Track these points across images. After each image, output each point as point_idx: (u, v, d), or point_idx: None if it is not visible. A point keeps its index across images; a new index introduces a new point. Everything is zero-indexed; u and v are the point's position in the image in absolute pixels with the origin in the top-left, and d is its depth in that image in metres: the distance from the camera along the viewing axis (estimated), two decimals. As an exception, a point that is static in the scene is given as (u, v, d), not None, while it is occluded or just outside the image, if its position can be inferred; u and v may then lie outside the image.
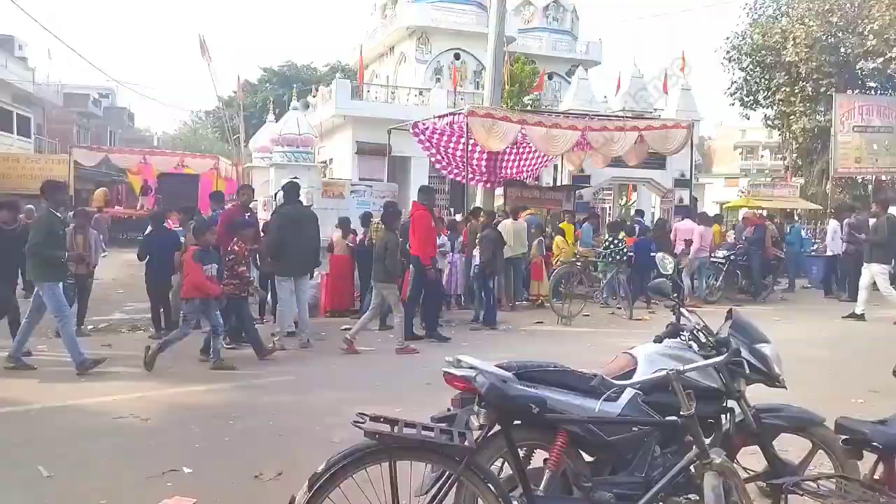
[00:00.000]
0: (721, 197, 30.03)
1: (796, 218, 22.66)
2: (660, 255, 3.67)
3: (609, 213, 19.15)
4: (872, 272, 9.95)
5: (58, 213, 6.68)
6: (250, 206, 8.49)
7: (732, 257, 12.05)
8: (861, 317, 10.07)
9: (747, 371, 2.92)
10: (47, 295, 6.33)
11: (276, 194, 10.46)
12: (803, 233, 18.30)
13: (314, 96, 27.43)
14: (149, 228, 8.63)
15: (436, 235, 8.90)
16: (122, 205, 24.25)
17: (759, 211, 20.45)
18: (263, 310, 9.16)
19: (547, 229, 13.29)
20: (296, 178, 16.28)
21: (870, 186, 24.33)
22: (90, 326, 8.57)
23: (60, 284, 6.50)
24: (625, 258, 10.65)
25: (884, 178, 23.52)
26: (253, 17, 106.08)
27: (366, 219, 10.26)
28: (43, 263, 6.34)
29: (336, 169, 25.31)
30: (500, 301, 10.57)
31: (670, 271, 3.62)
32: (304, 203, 9.17)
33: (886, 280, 10.13)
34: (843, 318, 10.31)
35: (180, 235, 8.72)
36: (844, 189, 24.15)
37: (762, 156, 66.25)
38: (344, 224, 10.23)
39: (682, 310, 3.11)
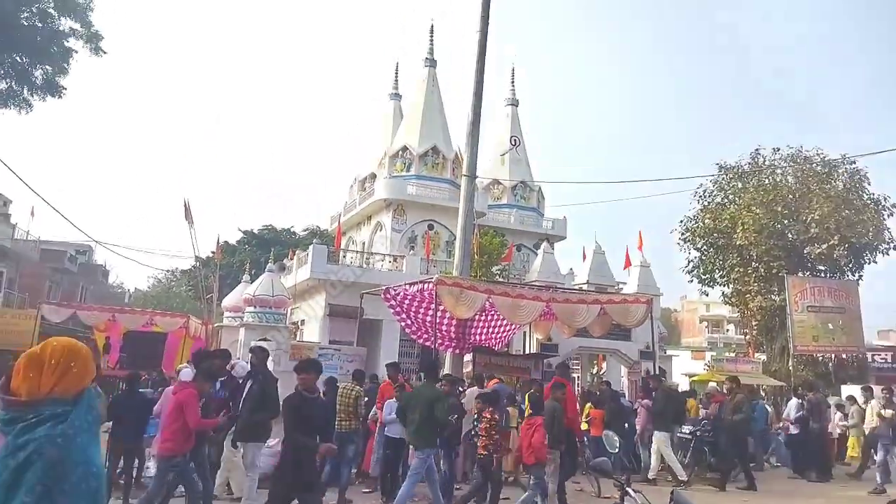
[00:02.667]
0: (688, 369, 30.31)
1: (762, 394, 22.85)
2: (606, 432, 3.78)
3: (578, 383, 19.22)
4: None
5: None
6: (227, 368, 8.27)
7: (698, 433, 11.99)
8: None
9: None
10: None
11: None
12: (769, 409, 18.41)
13: (290, 259, 28.19)
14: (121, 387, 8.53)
15: None
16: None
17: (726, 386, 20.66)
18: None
19: (517, 398, 13.17)
20: (265, 338, 16.39)
21: (830, 364, 24.93)
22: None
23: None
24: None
25: (843, 356, 24.22)
26: (237, 183, 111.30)
27: (330, 384, 10.12)
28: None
29: (307, 330, 25.35)
30: (457, 476, 10.25)
31: (616, 449, 3.71)
32: (270, 366, 9.09)
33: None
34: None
35: (149, 396, 8.57)
36: (806, 366, 24.66)
37: (727, 329, 67.89)
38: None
39: (628, 489, 3.18)
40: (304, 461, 5.80)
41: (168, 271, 56.23)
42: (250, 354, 8.08)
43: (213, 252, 30.74)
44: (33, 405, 2.19)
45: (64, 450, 2.15)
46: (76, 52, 17.82)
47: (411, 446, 8.28)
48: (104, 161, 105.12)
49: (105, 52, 18.17)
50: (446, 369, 14.14)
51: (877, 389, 13.07)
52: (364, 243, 32.17)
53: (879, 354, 25.42)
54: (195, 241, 25.49)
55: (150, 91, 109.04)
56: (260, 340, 15.61)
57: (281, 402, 7.05)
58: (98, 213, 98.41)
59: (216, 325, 26.83)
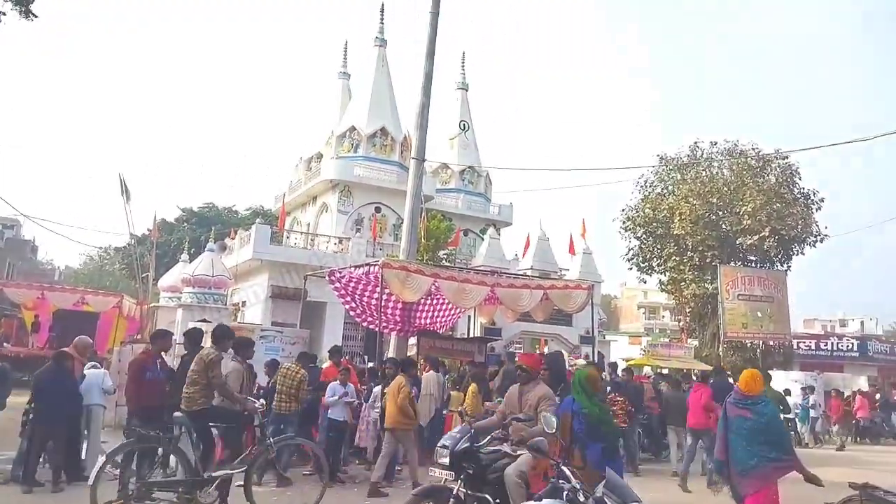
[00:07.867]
0: (626, 354, 31.27)
1: (693, 378, 23.81)
2: (544, 413, 3.90)
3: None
4: None
5: None
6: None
7: (633, 415, 12.36)
8: None
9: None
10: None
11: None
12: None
13: (232, 239, 27.52)
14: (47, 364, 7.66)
15: None
16: (11, 342, 22.56)
17: (662, 370, 21.44)
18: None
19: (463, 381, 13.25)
20: (204, 319, 16.00)
21: (758, 350, 26.16)
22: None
23: None
24: None
25: (771, 343, 25.45)
26: (177, 159, 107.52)
27: (272, 366, 9.99)
28: None
29: (249, 312, 24.87)
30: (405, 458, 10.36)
31: (554, 430, 3.82)
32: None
33: None
34: None
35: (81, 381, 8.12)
36: (735, 352, 25.80)
37: (663, 316, 70.38)
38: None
39: (564, 468, 3.27)
40: None
41: (101, 248, 54.09)
42: (184, 337, 7.84)
43: (149, 230, 29.73)
44: (755, 397, 5.22)
45: (775, 416, 5.35)
46: (4, 14, 16.80)
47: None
48: (34, 131, 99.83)
49: (36, 16, 17.17)
50: (391, 353, 14.14)
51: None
52: (309, 224, 31.65)
53: (804, 342, 26.84)
54: (130, 217, 24.50)
55: (87, 60, 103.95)
56: (199, 322, 15.26)
57: None
58: (26, 186, 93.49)
59: (152, 305, 26.03)
